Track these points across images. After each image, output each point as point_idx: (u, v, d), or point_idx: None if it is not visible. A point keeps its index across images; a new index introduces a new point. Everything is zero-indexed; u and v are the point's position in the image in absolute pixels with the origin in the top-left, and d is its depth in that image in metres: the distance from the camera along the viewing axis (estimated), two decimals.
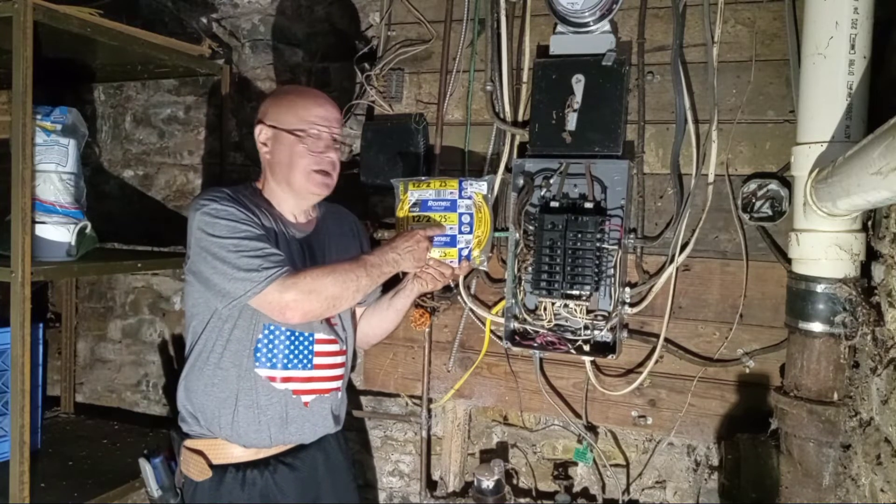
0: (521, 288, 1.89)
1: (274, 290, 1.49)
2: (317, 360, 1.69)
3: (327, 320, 1.71)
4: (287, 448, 1.69)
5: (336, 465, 1.78)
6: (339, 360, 1.75)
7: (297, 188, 1.67)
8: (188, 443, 1.66)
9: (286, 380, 1.64)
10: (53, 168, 1.91)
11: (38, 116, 1.88)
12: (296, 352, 1.66)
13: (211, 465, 1.62)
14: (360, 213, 2.14)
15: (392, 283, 1.93)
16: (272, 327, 1.62)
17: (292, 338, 1.65)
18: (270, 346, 1.63)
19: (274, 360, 1.63)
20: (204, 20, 2.43)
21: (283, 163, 1.66)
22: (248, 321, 1.62)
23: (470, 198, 1.78)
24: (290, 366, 1.65)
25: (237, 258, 1.50)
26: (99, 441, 2.41)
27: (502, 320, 1.93)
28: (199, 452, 1.63)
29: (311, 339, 1.67)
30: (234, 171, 2.44)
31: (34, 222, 1.75)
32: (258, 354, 1.62)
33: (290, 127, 1.64)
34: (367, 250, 1.86)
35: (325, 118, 1.67)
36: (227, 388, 1.62)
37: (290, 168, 1.65)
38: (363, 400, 2.33)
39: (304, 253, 1.70)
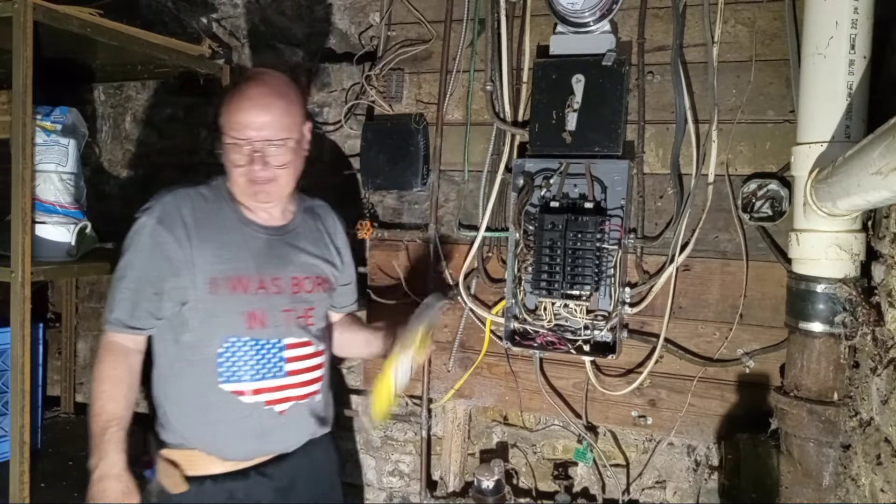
0: (521, 288, 1.89)
1: (105, 338, 1.55)
2: (289, 367, 1.59)
3: (303, 320, 1.63)
4: (270, 457, 1.61)
5: (320, 470, 1.71)
6: (315, 362, 1.65)
7: (239, 196, 1.58)
8: (164, 452, 1.56)
9: (256, 392, 1.54)
10: (53, 168, 1.91)
11: (38, 116, 1.88)
12: (263, 361, 1.55)
13: (187, 478, 1.53)
14: (355, 213, 2.15)
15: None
16: (233, 339, 1.53)
17: (257, 347, 1.54)
18: (234, 359, 1.53)
19: (240, 374, 1.53)
20: (204, 20, 2.43)
21: (226, 167, 1.56)
22: (203, 333, 1.52)
23: None
24: (257, 377, 1.54)
25: (114, 286, 1.54)
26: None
27: (502, 320, 1.93)
28: (175, 464, 1.54)
29: (279, 345, 1.57)
30: None
31: (34, 222, 1.75)
32: (221, 370, 1.52)
33: (223, 131, 1.53)
34: (340, 252, 1.78)
35: (249, 125, 1.48)
36: (195, 402, 1.54)
37: (229, 175, 1.55)
38: (363, 400, 2.32)
39: (270, 250, 1.60)
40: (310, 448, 1.68)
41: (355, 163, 2.18)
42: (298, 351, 1.61)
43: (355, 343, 1.85)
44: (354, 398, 2.32)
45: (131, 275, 1.52)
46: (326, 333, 1.74)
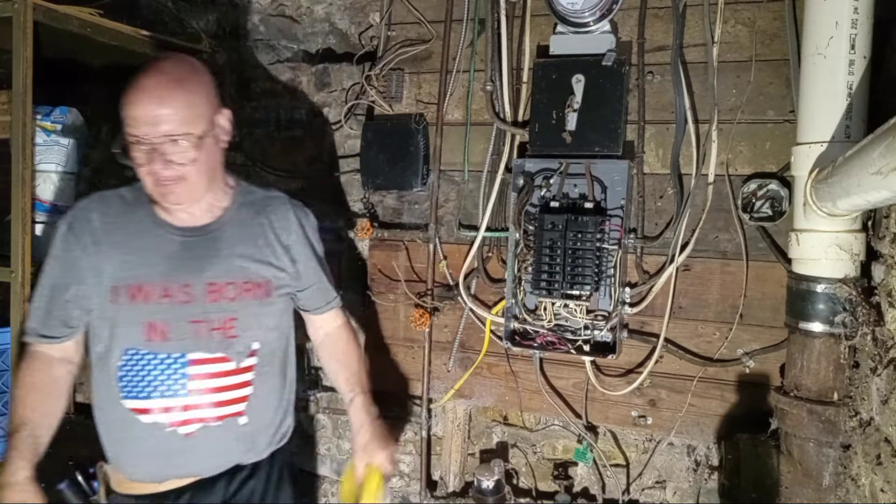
0: (521, 288, 1.89)
1: (27, 346, 1.46)
2: (193, 385, 1.42)
3: (220, 332, 1.45)
4: (190, 481, 1.48)
5: (252, 497, 1.55)
6: (235, 380, 1.47)
7: (154, 197, 1.44)
8: (101, 464, 1.52)
9: (156, 411, 1.42)
10: (53, 168, 1.91)
11: (38, 116, 1.88)
12: (163, 378, 1.41)
13: (112, 492, 1.49)
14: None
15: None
16: (132, 352, 1.41)
17: (155, 362, 1.41)
18: (132, 373, 1.41)
19: (138, 391, 1.41)
20: (204, 20, 2.43)
21: None
22: (107, 344, 1.42)
23: None
24: (155, 395, 1.41)
25: (35, 295, 1.47)
26: (99, 441, 2.41)
27: (502, 320, 1.93)
28: (106, 478, 1.50)
29: (182, 361, 1.42)
30: (234, 171, 2.43)
31: (34, 222, 1.75)
32: (122, 384, 1.42)
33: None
34: (289, 250, 1.56)
35: (144, 121, 1.33)
36: (103, 416, 1.47)
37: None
38: None
39: (183, 253, 1.45)
40: (239, 474, 1.53)
41: (355, 163, 2.18)
42: (208, 368, 1.44)
43: (334, 382, 1.73)
44: None
45: (44, 283, 1.45)
46: (267, 347, 1.53)
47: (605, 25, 1.79)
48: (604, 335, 1.84)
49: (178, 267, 1.44)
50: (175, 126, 1.33)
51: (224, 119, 1.47)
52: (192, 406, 1.43)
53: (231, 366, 1.46)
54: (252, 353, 1.49)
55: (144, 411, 1.42)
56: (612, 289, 1.79)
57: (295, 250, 1.57)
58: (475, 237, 1.99)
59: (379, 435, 1.59)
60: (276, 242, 1.54)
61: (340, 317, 1.73)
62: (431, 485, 2.18)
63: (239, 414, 1.48)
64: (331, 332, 1.71)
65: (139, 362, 1.41)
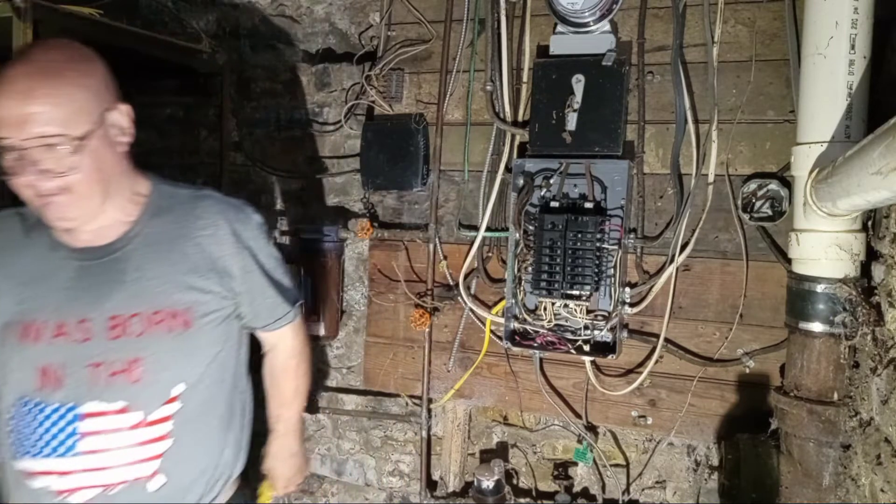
0: (521, 288, 1.89)
1: None
2: (85, 444, 1.15)
3: (123, 376, 1.17)
4: None
5: None
6: (141, 436, 1.18)
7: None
8: None
9: (43, 473, 1.16)
10: None
11: None
12: (53, 433, 1.15)
13: None
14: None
15: None
16: (24, 402, 1.16)
17: (41, 417, 1.15)
18: (19, 428, 1.17)
19: (24, 449, 1.17)
20: (204, 20, 2.43)
21: None
22: (3, 391, 1.19)
23: None
24: (42, 455, 1.15)
25: None
26: None
27: (502, 320, 1.93)
28: None
29: (72, 414, 1.15)
30: (234, 171, 2.44)
31: None
32: (11, 440, 1.17)
33: None
34: (218, 263, 1.26)
35: (5, 121, 1.06)
36: (3, 475, 1.23)
37: None
38: (363, 400, 2.33)
39: (80, 282, 1.19)
40: None
41: (355, 163, 2.18)
42: (105, 421, 1.16)
43: (267, 403, 1.52)
44: (355, 398, 2.33)
45: None
46: (203, 386, 1.25)
47: (605, 25, 1.79)
48: (604, 335, 1.84)
49: (75, 298, 1.18)
50: (46, 126, 1.07)
51: (120, 115, 1.20)
52: (85, 469, 1.16)
53: (136, 418, 1.17)
54: (172, 399, 1.21)
55: (33, 474, 1.17)
56: (612, 289, 1.79)
57: (226, 263, 1.27)
58: (475, 237, 1.99)
59: (287, 473, 1.55)
60: (200, 256, 1.24)
61: (292, 337, 1.46)
62: (431, 485, 2.18)
63: (151, 476, 1.20)
64: (279, 352, 1.47)
65: (27, 415, 1.16)
